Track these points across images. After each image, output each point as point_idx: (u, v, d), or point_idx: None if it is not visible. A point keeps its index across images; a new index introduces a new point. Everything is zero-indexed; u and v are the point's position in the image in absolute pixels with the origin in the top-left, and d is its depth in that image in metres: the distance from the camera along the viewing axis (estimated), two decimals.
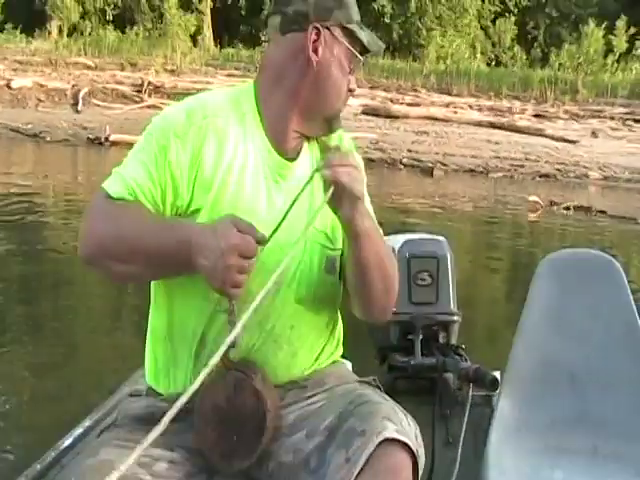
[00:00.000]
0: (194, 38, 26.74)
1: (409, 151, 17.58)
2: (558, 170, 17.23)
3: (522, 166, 17.22)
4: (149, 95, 20.57)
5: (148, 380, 1.83)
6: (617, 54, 26.54)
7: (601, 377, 2.43)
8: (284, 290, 1.73)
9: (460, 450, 2.39)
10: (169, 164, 1.67)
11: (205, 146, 1.69)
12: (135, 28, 26.47)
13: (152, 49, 24.87)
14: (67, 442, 2.34)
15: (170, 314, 1.76)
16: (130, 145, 1.75)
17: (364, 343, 2.69)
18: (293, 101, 1.77)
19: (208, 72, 24.03)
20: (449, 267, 2.65)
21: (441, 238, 2.73)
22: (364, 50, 1.81)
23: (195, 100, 1.77)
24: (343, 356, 1.93)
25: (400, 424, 1.63)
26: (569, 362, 2.45)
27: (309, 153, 1.84)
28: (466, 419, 2.40)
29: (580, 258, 2.59)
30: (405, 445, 1.61)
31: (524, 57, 27.09)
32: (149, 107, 19.85)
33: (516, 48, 27.38)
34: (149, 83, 20.83)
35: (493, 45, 27.98)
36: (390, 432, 1.59)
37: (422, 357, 2.55)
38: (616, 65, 26.22)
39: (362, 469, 1.58)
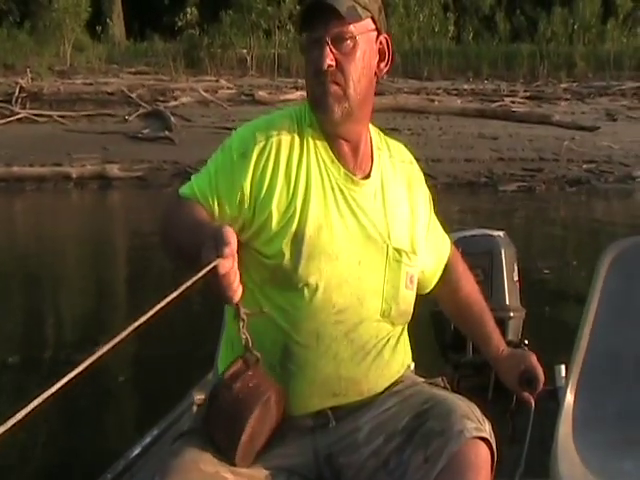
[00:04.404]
0: (93, 30, 21.32)
1: None
2: (590, 172, 12.33)
3: (540, 170, 12.29)
4: (22, 106, 15.43)
5: None
6: (620, 16, 21.92)
7: None
8: (370, 304, 1.82)
9: (527, 446, 2.36)
10: (232, 181, 1.79)
11: (269, 165, 1.78)
12: (11, 18, 20.84)
13: (39, 47, 19.47)
14: (136, 451, 2.40)
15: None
16: None
17: (427, 345, 2.60)
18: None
19: (110, 70, 18.87)
20: (503, 262, 2.71)
21: (497, 233, 2.82)
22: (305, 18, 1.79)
23: (263, 119, 1.87)
24: None
25: (478, 422, 1.70)
26: (636, 352, 2.45)
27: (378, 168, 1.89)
28: (532, 415, 2.30)
29: None
30: (485, 442, 1.69)
31: (507, 27, 22.12)
32: (19, 121, 14.84)
33: (497, 16, 22.32)
34: (21, 89, 15.65)
35: (467, 15, 22.79)
36: (470, 431, 1.67)
37: (473, 355, 2.56)
38: (618, 30, 21.76)
39: (442, 468, 1.65)
